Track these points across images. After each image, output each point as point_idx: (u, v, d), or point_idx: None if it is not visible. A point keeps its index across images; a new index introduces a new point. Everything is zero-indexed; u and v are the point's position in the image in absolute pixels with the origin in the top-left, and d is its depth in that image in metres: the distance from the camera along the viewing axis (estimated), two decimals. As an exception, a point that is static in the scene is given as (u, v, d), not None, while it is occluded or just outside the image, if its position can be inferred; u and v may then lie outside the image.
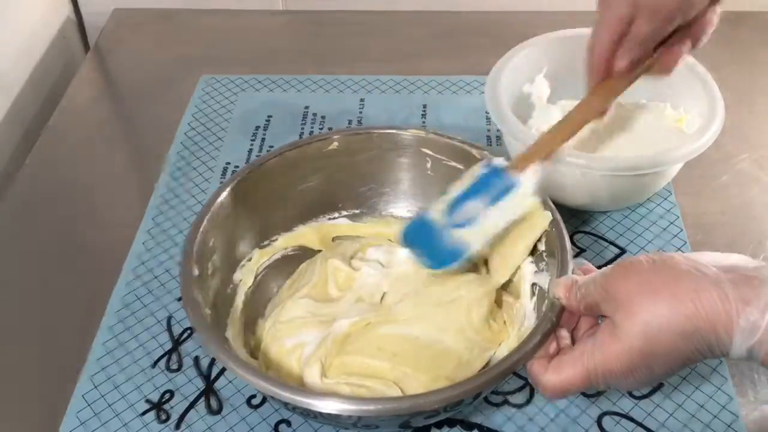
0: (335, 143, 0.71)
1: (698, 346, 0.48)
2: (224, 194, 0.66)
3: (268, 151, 0.87)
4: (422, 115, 0.91)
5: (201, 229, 0.63)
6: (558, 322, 0.56)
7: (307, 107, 0.93)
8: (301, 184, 0.72)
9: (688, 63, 0.74)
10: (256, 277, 0.69)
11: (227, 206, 0.66)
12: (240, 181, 0.68)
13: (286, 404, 0.54)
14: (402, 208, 0.74)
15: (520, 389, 0.64)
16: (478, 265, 0.68)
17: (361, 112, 0.92)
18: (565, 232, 0.62)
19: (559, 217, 0.63)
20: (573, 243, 0.75)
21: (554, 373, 0.53)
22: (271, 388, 0.53)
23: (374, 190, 0.74)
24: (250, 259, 0.70)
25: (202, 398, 0.64)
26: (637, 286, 0.50)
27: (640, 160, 0.71)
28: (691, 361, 0.49)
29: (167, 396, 0.65)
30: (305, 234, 0.73)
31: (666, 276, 0.49)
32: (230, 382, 0.65)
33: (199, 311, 0.58)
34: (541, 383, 0.54)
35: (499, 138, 0.88)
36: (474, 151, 0.69)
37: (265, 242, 0.71)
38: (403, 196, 0.74)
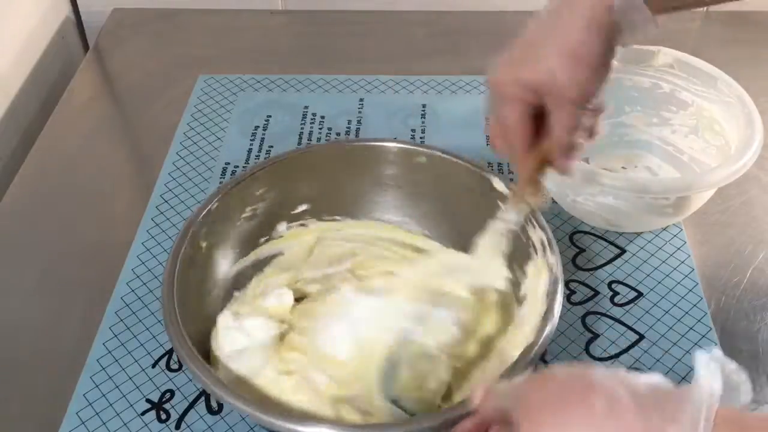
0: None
1: None
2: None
3: (267, 151, 0.87)
4: (422, 115, 0.91)
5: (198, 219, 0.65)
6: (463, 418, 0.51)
7: (306, 107, 0.93)
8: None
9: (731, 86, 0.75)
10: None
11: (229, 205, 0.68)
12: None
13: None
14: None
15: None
16: None
17: (360, 112, 0.92)
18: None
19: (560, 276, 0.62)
20: (573, 243, 0.76)
21: None
22: (255, 414, 0.54)
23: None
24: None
25: (202, 398, 0.64)
26: (549, 396, 0.45)
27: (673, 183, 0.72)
28: None
29: (167, 396, 0.65)
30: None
31: (585, 391, 0.44)
32: (230, 381, 0.65)
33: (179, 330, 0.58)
34: None
35: (498, 138, 0.88)
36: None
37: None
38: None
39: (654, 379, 0.44)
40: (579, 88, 0.56)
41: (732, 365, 0.45)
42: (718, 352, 0.45)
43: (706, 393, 0.42)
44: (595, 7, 0.54)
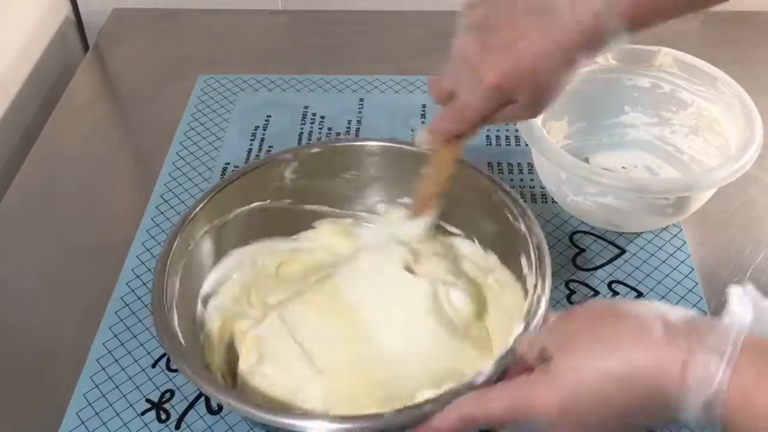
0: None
1: (636, 396, 0.44)
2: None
3: (267, 151, 0.87)
4: (422, 115, 0.91)
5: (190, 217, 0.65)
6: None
7: (306, 107, 0.93)
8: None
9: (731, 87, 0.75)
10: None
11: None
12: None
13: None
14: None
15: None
16: None
17: (360, 112, 0.92)
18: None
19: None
20: (572, 243, 0.76)
21: (477, 395, 0.50)
22: (248, 409, 0.54)
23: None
24: None
25: (202, 398, 0.64)
26: (582, 325, 0.48)
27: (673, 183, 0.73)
28: (629, 417, 0.45)
29: (167, 395, 0.65)
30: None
31: (614, 317, 0.46)
32: (230, 381, 0.65)
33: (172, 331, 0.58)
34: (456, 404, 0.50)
35: (498, 138, 0.88)
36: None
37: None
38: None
39: (686, 311, 0.46)
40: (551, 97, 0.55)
41: (765, 302, 0.47)
42: (751, 288, 0.47)
43: (736, 321, 0.44)
44: (599, 15, 0.50)
